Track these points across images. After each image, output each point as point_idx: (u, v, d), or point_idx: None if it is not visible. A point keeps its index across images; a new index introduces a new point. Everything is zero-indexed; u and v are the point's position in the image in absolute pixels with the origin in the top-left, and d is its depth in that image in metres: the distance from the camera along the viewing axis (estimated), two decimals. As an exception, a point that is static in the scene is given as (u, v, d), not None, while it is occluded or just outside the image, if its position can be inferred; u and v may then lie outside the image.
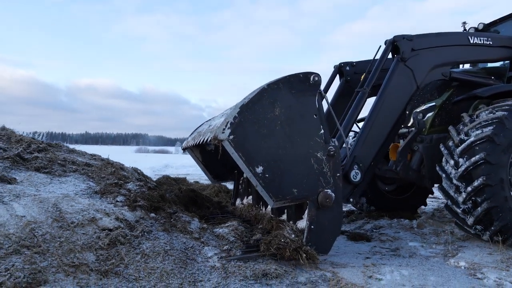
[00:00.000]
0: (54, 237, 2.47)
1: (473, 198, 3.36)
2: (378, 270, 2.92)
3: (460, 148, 3.52)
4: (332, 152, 3.02)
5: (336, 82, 5.31)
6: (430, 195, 5.76)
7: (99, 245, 2.54)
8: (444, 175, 3.64)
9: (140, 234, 2.80)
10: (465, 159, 3.45)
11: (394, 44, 4.01)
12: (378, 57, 4.15)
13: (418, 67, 4.06)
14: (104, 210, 2.89)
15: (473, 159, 3.36)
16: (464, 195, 3.40)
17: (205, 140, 3.13)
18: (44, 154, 3.81)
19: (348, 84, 5.20)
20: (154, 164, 18.18)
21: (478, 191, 3.32)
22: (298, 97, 2.94)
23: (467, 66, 5.57)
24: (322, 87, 3.34)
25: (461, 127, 3.77)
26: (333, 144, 3.05)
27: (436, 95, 4.64)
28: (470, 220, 3.43)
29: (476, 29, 5.54)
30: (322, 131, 3.02)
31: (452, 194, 3.52)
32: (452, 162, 3.58)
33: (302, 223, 3.19)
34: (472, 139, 3.45)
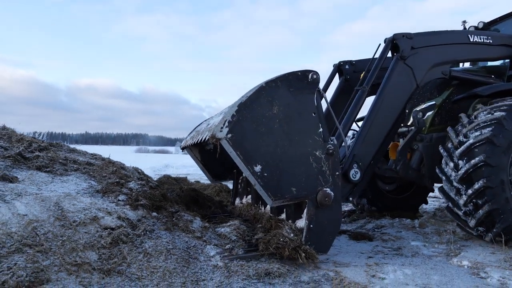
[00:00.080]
0: (56, 236, 2.47)
1: (474, 200, 3.34)
2: (381, 269, 2.92)
3: (459, 151, 3.50)
4: (331, 151, 3.00)
5: (336, 81, 5.31)
6: (431, 194, 5.75)
7: (101, 244, 2.55)
8: (444, 178, 3.62)
9: (142, 233, 2.80)
10: (464, 161, 3.44)
11: (394, 42, 4.00)
12: (377, 55, 4.14)
13: (418, 65, 4.04)
14: (106, 209, 2.89)
15: (473, 161, 3.34)
16: (465, 197, 3.38)
17: (203, 139, 3.11)
18: (45, 153, 3.81)
19: (347, 83, 5.19)
20: (154, 164, 18.18)
21: (479, 194, 3.31)
22: (296, 95, 2.93)
23: (467, 65, 5.58)
24: (322, 86, 3.32)
25: (459, 128, 3.75)
26: (332, 142, 3.04)
27: (436, 93, 4.64)
28: (472, 222, 3.41)
29: (476, 28, 5.54)
30: (321, 129, 3.00)
31: (453, 196, 3.51)
32: (451, 164, 3.56)
33: (301, 222, 3.17)
34: (471, 141, 3.43)
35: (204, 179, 9.32)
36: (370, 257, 3.32)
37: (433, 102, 4.56)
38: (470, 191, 3.34)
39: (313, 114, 2.99)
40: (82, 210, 2.75)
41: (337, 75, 5.32)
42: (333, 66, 5.31)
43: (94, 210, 2.80)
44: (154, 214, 3.21)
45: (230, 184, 6.25)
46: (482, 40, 4.54)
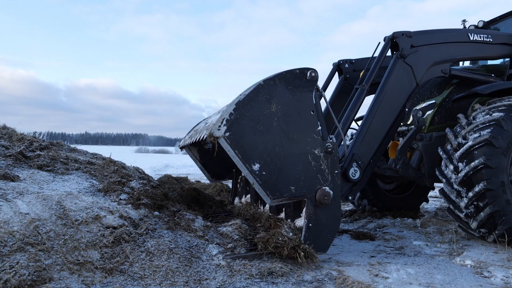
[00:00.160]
0: (58, 235, 2.47)
1: (475, 203, 3.33)
2: (384, 268, 2.90)
3: (459, 153, 3.48)
4: (330, 149, 2.98)
5: (335, 79, 5.31)
6: (432, 194, 5.74)
7: (103, 243, 2.55)
8: (444, 180, 3.60)
9: (145, 232, 2.81)
10: (464, 163, 3.41)
11: (393, 41, 3.98)
12: (377, 54, 4.13)
13: (418, 64, 4.02)
14: (108, 208, 2.89)
15: (472, 164, 3.32)
16: (465, 200, 3.36)
17: (201, 138, 3.08)
18: (46, 152, 3.81)
19: (347, 82, 5.19)
20: (154, 164, 18.18)
21: (479, 196, 3.29)
22: (294, 93, 2.90)
23: (467, 63, 5.58)
24: (321, 84, 3.30)
25: (458, 130, 3.71)
26: (330, 141, 3.01)
27: (436, 92, 4.63)
28: (473, 224, 3.40)
29: (476, 26, 5.54)
30: (320, 127, 2.98)
31: (454, 198, 3.49)
32: (451, 167, 3.53)
33: (300, 221, 3.15)
34: (470, 143, 3.41)
35: (204, 179, 9.33)
36: (372, 256, 3.30)
37: (433, 101, 4.56)
38: (471, 194, 3.32)
39: (312, 112, 2.96)
40: (84, 209, 2.75)
41: (336, 74, 5.32)
42: (333, 65, 5.31)
43: (96, 209, 2.80)
44: (156, 213, 3.21)
45: (230, 184, 6.25)
46: (482, 39, 4.53)
